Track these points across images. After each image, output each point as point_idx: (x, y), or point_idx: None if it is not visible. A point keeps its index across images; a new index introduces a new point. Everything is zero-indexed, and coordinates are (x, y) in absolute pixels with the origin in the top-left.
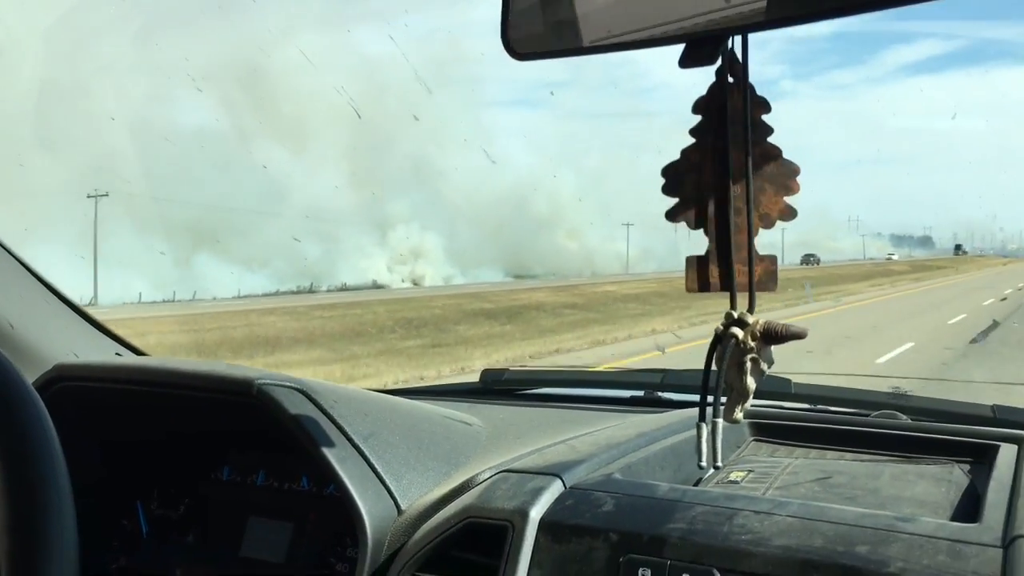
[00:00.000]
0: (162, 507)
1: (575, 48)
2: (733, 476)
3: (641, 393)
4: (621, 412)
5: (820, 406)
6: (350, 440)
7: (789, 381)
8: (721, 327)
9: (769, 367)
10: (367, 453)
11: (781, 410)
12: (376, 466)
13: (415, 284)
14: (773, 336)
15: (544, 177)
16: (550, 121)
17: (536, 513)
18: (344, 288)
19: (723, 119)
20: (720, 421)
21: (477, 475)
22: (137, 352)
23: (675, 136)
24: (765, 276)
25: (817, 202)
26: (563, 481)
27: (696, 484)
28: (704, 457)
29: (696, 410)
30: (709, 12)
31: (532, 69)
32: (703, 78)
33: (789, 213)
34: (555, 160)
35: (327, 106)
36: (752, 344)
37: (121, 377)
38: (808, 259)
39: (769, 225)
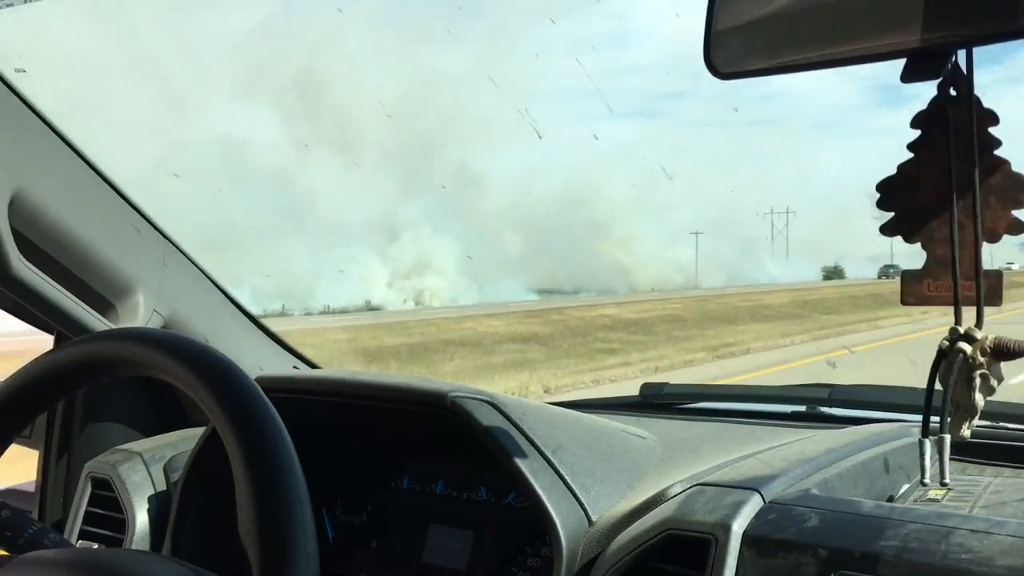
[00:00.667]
0: (346, 514)
1: (784, 66)
2: (932, 494)
3: (803, 408)
4: (786, 427)
5: (1001, 423)
6: (539, 451)
7: None
8: (946, 343)
9: (999, 383)
10: (556, 465)
11: None
12: (566, 477)
13: (417, 304)
14: (1005, 352)
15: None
16: (666, 131)
17: (739, 527)
18: (327, 311)
19: (945, 133)
20: (948, 437)
21: (668, 488)
22: (312, 365)
23: (794, 142)
24: (989, 292)
25: None
26: (762, 495)
27: (890, 501)
28: (928, 474)
29: (877, 426)
30: (933, 26)
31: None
32: (828, 85)
33: (1018, 227)
34: (644, 167)
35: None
36: (981, 360)
37: (322, 389)
38: (888, 271)
39: (995, 239)
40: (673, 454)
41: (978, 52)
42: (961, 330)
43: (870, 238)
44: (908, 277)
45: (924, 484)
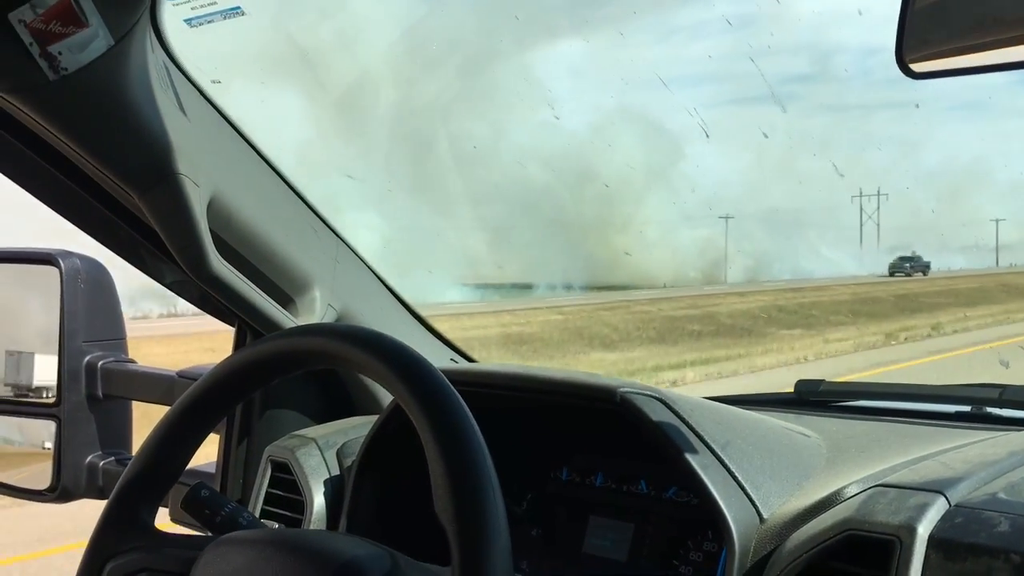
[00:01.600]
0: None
1: (979, 66)
2: None
3: (967, 409)
4: (953, 428)
5: None
6: (709, 448)
7: None
8: None
9: None
10: (726, 461)
11: None
12: (736, 474)
13: None
14: None
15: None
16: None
17: (924, 529)
18: None
19: None
20: None
21: (844, 488)
22: (469, 359)
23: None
24: None
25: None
26: (947, 498)
27: None
28: None
29: None
30: None
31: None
32: None
33: None
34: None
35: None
36: None
37: (494, 382)
38: (903, 266)
39: None
40: (840, 453)
41: None
42: None
43: (972, 226)
44: None
45: None
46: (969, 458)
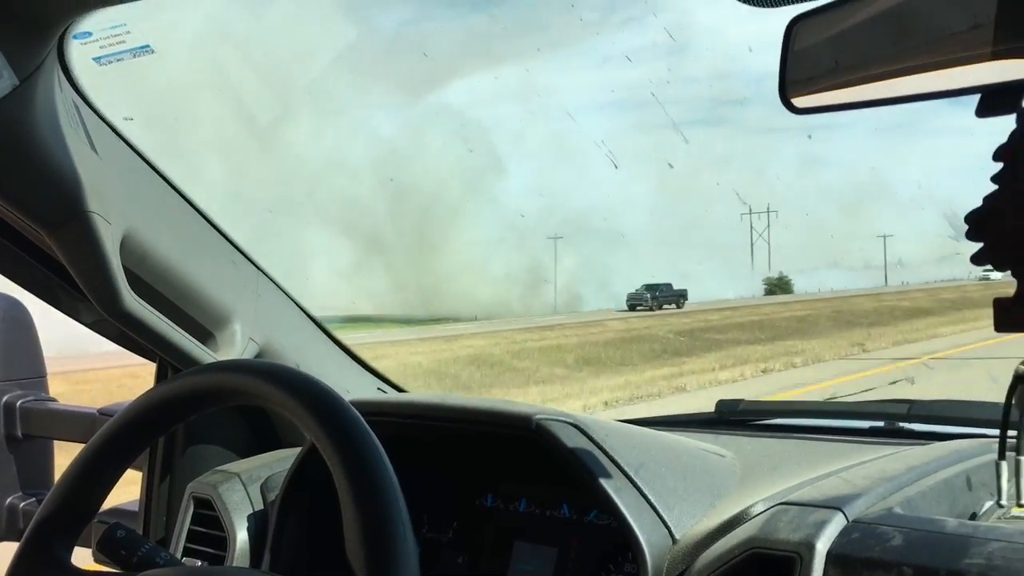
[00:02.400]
0: (432, 531)
1: (860, 102)
2: (1016, 512)
3: (881, 424)
4: (865, 444)
5: None
6: (623, 471)
7: None
8: (1022, 367)
9: None
10: (639, 484)
11: None
12: (649, 496)
13: None
14: None
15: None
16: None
17: (823, 545)
18: None
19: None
20: None
21: (750, 507)
22: (397, 388)
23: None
24: None
25: None
26: (844, 514)
27: (972, 518)
28: (1005, 494)
29: (958, 443)
30: (1010, 62)
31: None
32: None
33: None
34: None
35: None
36: None
37: (410, 412)
38: (643, 297)
39: None
40: (753, 472)
41: None
42: None
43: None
44: (999, 305)
45: (1001, 506)
46: (870, 474)
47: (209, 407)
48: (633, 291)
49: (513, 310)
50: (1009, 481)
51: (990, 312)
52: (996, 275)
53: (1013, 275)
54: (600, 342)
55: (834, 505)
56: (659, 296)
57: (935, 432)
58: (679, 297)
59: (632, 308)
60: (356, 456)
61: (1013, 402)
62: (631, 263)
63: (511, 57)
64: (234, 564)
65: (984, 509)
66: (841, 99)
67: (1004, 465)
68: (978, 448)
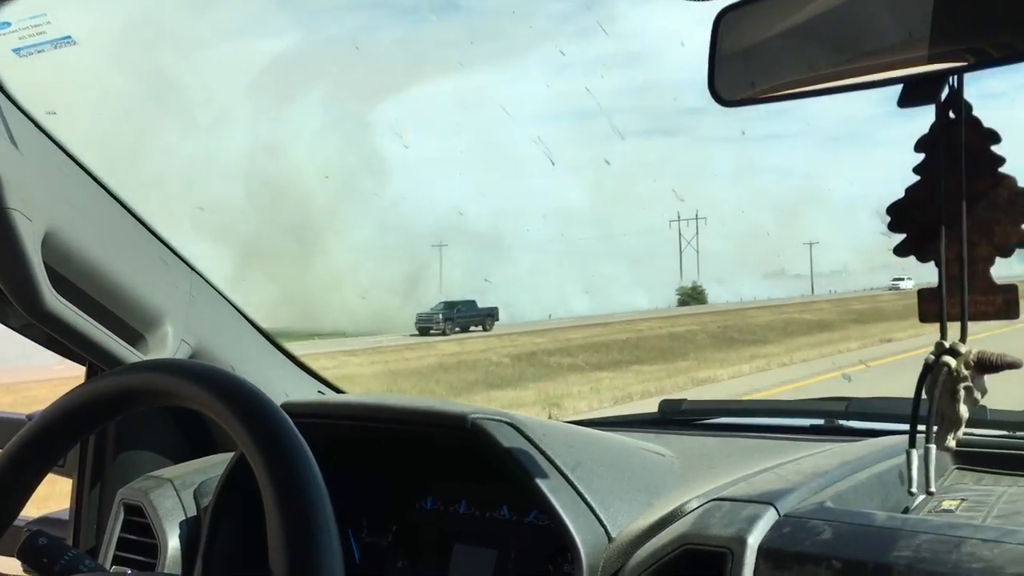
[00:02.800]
0: (372, 535)
1: (786, 94)
2: (946, 505)
3: (821, 422)
4: (804, 441)
5: (1019, 433)
6: (559, 471)
7: (985, 408)
8: (932, 356)
9: (983, 396)
10: (576, 483)
11: (980, 437)
12: (585, 495)
13: None
14: (988, 365)
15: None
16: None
17: (754, 540)
18: None
19: (947, 155)
20: (933, 447)
21: (685, 504)
22: (336, 390)
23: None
24: (1006, 306)
25: None
26: (776, 509)
27: (905, 512)
28: (916, 483)
29: (891, 439)
30: (928, 54)
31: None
32: (842, 98)
33: None
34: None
35: None
36: (966, 373)
37: (346, 414)
38: (432, 319)
39: (1007, 254)
40: (691, 470)
41: None
42: (946, 344)
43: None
44: (924, 295)
45: (912, 494)
46: (803, 469)
47: (133, 408)
48: (425, 311)
49: (395, 324)
50: (919, 470)
51: (896, 325)
52: (906, 284)
53: (936, 266)
54: (409, 369)
55: (766, 500)
56: (458, 316)
57: (873, 429)
58: (487, 316)
59: (424, 332)
60: (281, 460)
61: (923, 392)
62: (532, 272)
63: (450, 65)
64: (164, 572)
65: (916, 503)
66: (768, 91)
67: (914, 454)
68: None
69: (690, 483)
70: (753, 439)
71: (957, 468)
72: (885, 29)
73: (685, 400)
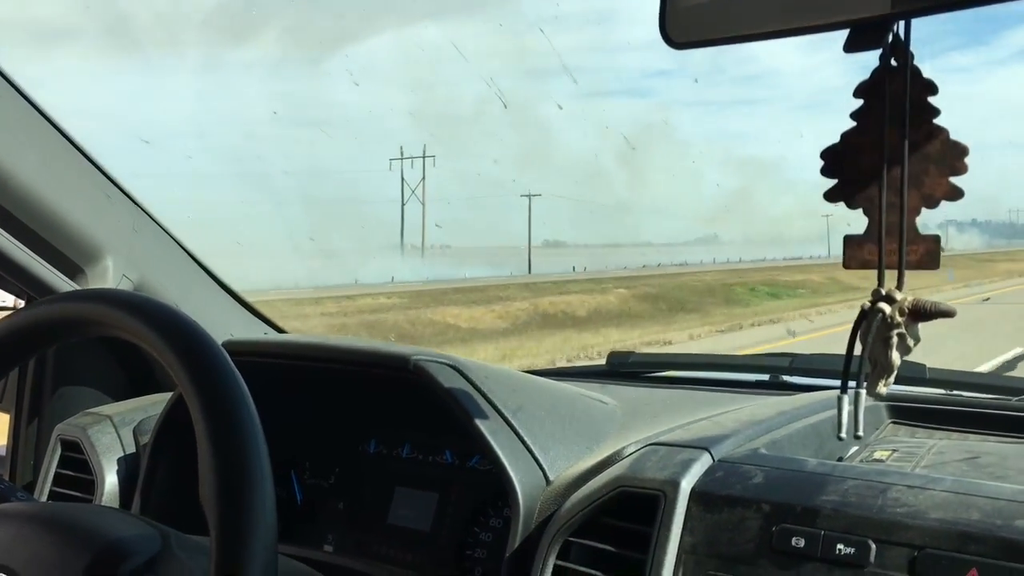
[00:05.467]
0: (314, 477)
1: (736, 36)
2: (877, 455)
3: (766, 377)
4: (748, 394)
5: (955, 391)
6: (500, 413)
7: (924, 366)
8: (868, 303)
9: (916, 344)
10: (516, 426)
11: (918, 394)
12: (525, 438)
13: None
14: (922, 313)
15: None
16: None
17: (687, 483)
18: None
19: (886, 102)
20: (863, 392)
21: (623, 448)
22: (282, 332)
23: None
24: (927, 256)
25: None
26: (711, 454)
27: (839, 461)
28: (844, 428)
29: (831, 392)
30: None
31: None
32: (815, 64)
33: (955, 193)
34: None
35: None
36: (899, 320)
37: (288, 353)
38: None
39: (933, 205)
40: (633, 418)
41: (964, 35)
42: (883, 292)
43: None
44: (851, 242)
45: (841, 438)
46: (740, 418)
47: (66, 338)
48: None
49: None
50: (848, 415)
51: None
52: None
53: (864, 213)
54: None
55: (701, 445)
56: None
57: (815, 385)
58: None
59: None
60: (216, 396)
61: (857, 337)
62: None
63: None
64: (101, 504)
65: (850, 453)
66: (718, 33)
67: (845, 398)
68: None
69: (630, 430)
70: (698, 391)
71: (892, 422)
72: None
73: (633, 352)
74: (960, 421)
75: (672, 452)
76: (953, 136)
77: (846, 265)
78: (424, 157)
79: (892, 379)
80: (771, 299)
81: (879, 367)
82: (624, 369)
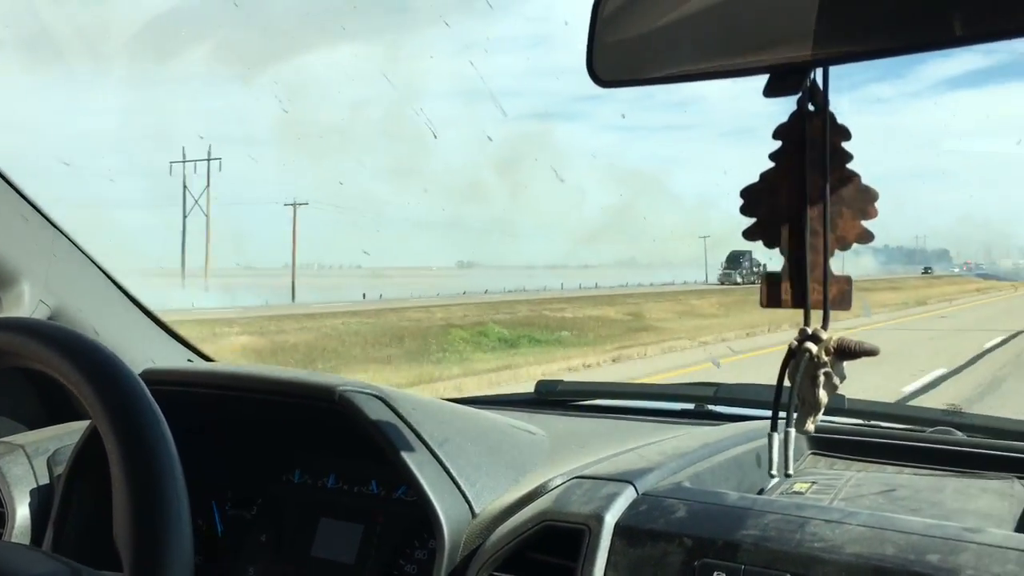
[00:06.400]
0: (236, 508)
1: (660, 77)
2: (797, 487)
3: (691, 406)
4: (673, 424)
5: (873, 422)
6: (426, 445)
7: (843, 396)
8: (795, 342)
9: (842, 382)
10: (442, 458)
11: (837, 425)
12: (451, 470)
13: None
14: (847, 352)
15: None
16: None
17: (611, 517)
18: None
19: (803, 145)
20: (792, 431)
21: (549, 481)
22: (206, 359)
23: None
24: (840, 296)
25: None
26: (635, 488)
27: (760, 494)
28: (775, 466)
29: (753, 423)
30: (794, 45)
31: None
32: (739, 91)
33: (866, 236)
34: None
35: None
36: (826, 359)
37: (210, 382)
38: None
39: (845, 247)
40: (560, 449)
41: (882, 67)
42: (809, 331)
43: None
44: (769, 281)
45: (772, 476)
46: (664, 450)
47: None
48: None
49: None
50: (779, 453)
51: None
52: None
53: (781, 253)
54: None
55: (626, 479)
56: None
57: (739, 415)
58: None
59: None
60: (130, 428)
61: (786, 378)
62: None
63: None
64: (10, 542)
65: (771, 485)
66: (643, 74)
67: (775, 437)
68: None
69: (557, 462)
70: (624, 421)
71: (812, 453)
72: (756, 19)
73: (561, 381)
74: (877, 452)
75: (597, 485)
76: (865, 178)
77: (762, 303)
78: (209, 160)
79: (820, 416)
80: (503, 348)
81: (807, 405)
82: (552, 397)
